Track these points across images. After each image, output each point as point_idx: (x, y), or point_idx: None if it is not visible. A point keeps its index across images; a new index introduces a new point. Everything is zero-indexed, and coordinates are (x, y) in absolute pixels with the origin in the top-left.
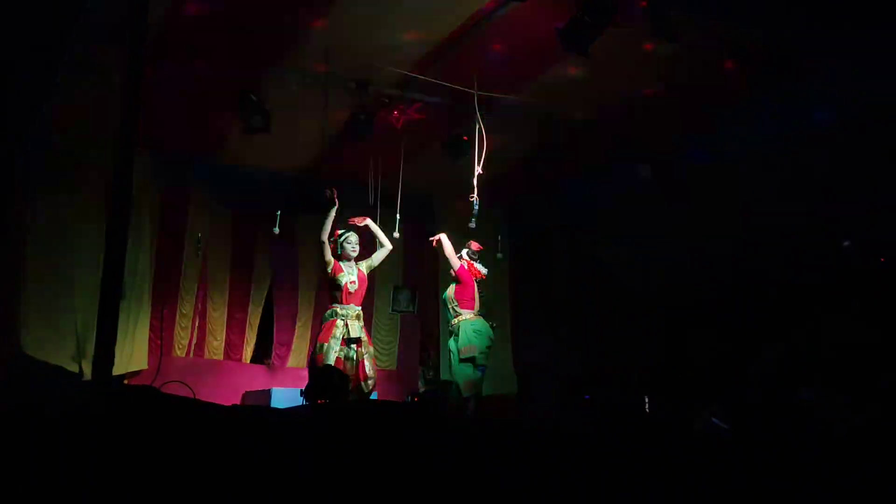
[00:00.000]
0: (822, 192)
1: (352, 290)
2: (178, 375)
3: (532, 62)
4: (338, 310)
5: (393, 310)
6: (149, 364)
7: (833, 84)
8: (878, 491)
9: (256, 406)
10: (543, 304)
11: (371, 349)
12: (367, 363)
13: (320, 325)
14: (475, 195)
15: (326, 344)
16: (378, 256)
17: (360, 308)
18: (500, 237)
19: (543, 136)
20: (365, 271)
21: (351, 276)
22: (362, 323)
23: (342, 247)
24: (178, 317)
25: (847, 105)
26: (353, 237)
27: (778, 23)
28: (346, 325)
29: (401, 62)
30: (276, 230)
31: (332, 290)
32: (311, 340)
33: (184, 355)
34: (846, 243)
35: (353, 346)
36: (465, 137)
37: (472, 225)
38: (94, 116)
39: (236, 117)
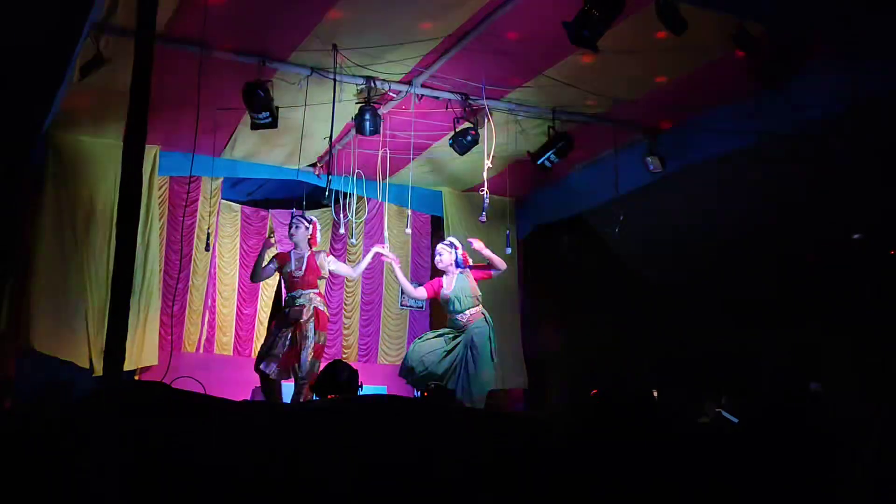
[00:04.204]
0: (832, 184)
1: (297, 276)
2: (189, 371)
3: (541, 55)
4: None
5: (402, 305)
6: (159, 360)
7: (845, 74)
8: (887, 483)
9: (267, 401)
10: (553, 298)
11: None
12: (303, 352)
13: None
14: (485, 189)
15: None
16: (339, 270)
17: (308, 291)
18: (507, 231)
19: (553, 130)
20: (318, 261)
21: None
22: (311, 305)
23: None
24: (187, 313)
25: (859, 95)
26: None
27: (788, 11)
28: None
29: (409, 56)
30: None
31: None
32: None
33: (194, 351)
34: (856, 236)
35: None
36: (473, 132)
37: (483, 218)
38: (103, 112)
39: (244, 113)
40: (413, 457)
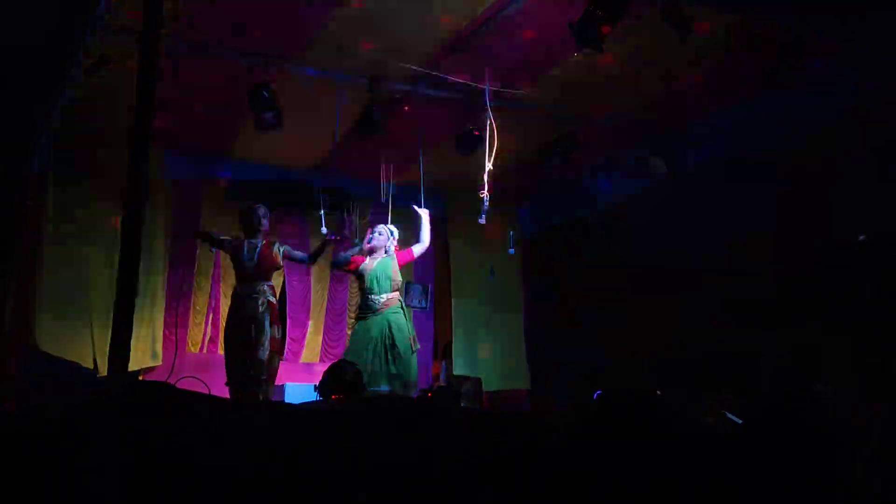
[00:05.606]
0: (834, 184)
1: (249, 266)
2: (193, 371)
3: (545, 57)
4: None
5: (405, 305)
6: (163, 360)
7: (848, 72)
8: (887, 482)
9: (270, 401)
10: (556, 299)
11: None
12: (259, 349)
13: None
14: (485, 191)
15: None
16: (293, 257)
17: (262, 283)
18: (511, 233)
19: (556, 131)
20: (272, 251)
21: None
22: (264, 298)
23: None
24: (191, 313)
25: (861, 94)
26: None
27: (792, 11)
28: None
29: (413, 57)
30: (325, 230)
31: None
32: (322, 337)
33: (198, 351)
34: (861, 237)
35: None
36: (476, 132)
37: (482, 220)
38: (108, 112)
39: (249, 114)
40: (413, 457)
